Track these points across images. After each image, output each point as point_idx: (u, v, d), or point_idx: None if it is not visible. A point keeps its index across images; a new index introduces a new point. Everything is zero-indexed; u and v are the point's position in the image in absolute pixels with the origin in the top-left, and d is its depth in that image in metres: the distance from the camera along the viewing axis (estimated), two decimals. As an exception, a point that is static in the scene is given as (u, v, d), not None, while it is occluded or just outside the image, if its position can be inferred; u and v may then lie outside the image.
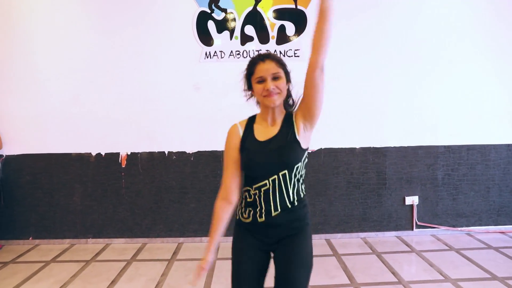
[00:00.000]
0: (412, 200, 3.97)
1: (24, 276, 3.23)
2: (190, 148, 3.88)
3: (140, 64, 3.83)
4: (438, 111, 3.92)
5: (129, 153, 3.91)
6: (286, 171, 1.56)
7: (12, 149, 3.92)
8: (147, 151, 3.90)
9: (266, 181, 1.57)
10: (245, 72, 1.65)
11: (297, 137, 1.58)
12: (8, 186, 3.95)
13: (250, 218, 1.64)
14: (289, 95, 1.68)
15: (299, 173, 1.60)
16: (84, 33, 3.81)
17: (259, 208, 1.60)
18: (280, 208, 1.58)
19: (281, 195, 1.58)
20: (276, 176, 1.56)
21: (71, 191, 3.96)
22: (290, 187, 1.58)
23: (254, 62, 1.59)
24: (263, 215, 1.60)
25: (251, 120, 1.70)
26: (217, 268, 3.21)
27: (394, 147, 3.93)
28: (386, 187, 3.96)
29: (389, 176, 3.95)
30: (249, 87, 1.65)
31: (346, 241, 3.87)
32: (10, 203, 3.97)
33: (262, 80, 1.56)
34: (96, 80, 3.85)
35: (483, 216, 4.04)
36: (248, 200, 1.63)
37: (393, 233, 4.00)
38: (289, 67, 1.67)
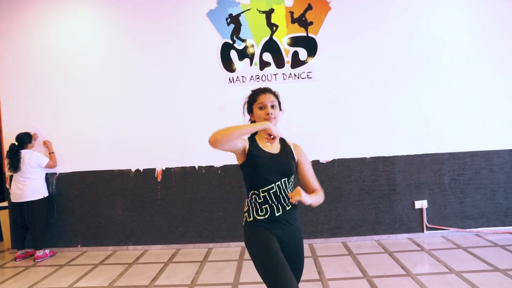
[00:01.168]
0: (421, 204, 4.30)
1: (78, 275, 3.74)
2: (218, 162, 4.37)
3: (173, 91, 4.40)
4: (442, 121, 4.28)
5: (164, 169, 4.43)
6: (286, 179, 2.01)
7: (64, 167, 4.52)
8: (180, 166, 4.41)
9: (273, 185, 1.97)
10: (247, 100, 2.13)
11: (295, 159, 2.08)
12: (60, 200, 4.53)
13: (268, 214, 1.96)
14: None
15: (291, 181, 2.06)
16: (127, 64, 4.44)
17: (274, 204, 1.96)
18: (288, 205, 1.99)
19: (284, 196, 1.99)
20: (279, 182, 1.99)
21: (113, 204, 4.50)
22: (288, 190, 2.02)
23: (257, 93, 2.08)
24: (280, 210, 1.97)
25: (252, 135, 2.13)
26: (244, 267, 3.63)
27: (402, 155, 4.30)
28: (396, 192, 4.31)
29: (399, 182, 4.30)
30: (249, 111, 2.12)
31: (361, 243, 4.22)
32: (62, 215, 4.53)
33: (262, 107, 2.03)
34: (135, 106, 4.44)
35: (490, 217, 4.31)
36: (259, 201, 1.98)
37: (405, 235, 4.32)
38: (280, 98, 2.12)
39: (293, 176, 2.05)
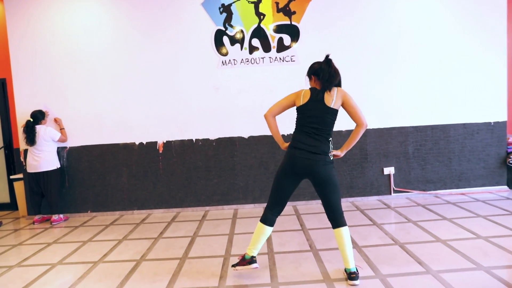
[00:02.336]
0: (389, 170, 5.00)
1: (93, 233, 4.32)
2: (213, 135, 4.95)
3: (172, 73, 4.93)
4: (406, 99, 4.94)
5: (164, 142, 4.99)
6: None
7: (73, 141, 5.03)
8: (179, 139, 4.98)
9: None
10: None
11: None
12: (71, 171, 5.06)
13: None
14: None
15: None
16: (130, 49, 4.93)
17: None
18: None
19: None
20: None
21: (119, 173, 5.05)
22: None
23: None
24: None
25: None
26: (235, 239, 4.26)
27: (373, 128, 4.96)
28: (368, 160, 4.99)
29: (370, 152, 4.98)
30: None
31: (338, 205, 4.90)
32: (72, 185, 5.07)
33: None
34: (137, 86, 4.96)
35: (447, 181, 5.04)
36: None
37: (375, 197, 5.02)
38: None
39: None
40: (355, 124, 2.78)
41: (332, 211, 2.70)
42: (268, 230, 2.78)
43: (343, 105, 2.73)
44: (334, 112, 2.70)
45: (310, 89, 2.80)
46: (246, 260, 2.79)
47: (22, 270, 3.31)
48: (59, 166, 4.91)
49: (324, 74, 2.69)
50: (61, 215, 4.91)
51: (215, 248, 3.57)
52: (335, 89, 2.72)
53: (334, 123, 2.74)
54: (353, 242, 3.48)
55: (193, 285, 2.81)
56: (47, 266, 3.36)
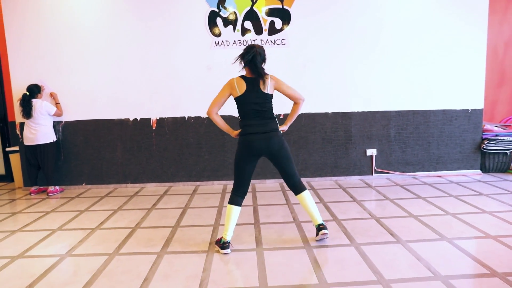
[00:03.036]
0: (371, 152, 5.28)
1: (89, 204, 4.54)
2: (204, 113, 5.15)
3: (166, 51, 5.08)
4: (389, 85, 5.19)
5: (158, 118, 5.18)
6: None
7: (69, 116, 5.18)
8: (172, 116, 5.17)
9: None
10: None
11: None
12: (66, 145, 5.23)
13: None
14: None
15: None
16: (123, 25, 5.05)
17: None
18: None
19: None
20: None
21: (114, 148, 5.24)
22: None
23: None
24: None
25: None
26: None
27: (357, 111, 5.21)
28: (351, 142, 5.26)
29: (354, 134, 5.24)
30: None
31: (322, 183, 5.18)
32: (68, 158, 5.25)
33: None
34: (132, 64, 5.10)
35: (425, 164, 5.35)
36: None
37: (358, 177, 5.32)
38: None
39: None
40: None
41: (292, 178, 3.05)
42: (237, 209, 3.02)
43: (277, 90, 3.01)
44: (270, 97, 2.99)
45: (242, 77, 2.98)
46: (221, 244, 3.00)
47: (24, 234, 3.53)
48: (55, 139, 5.07)
49: (252, 68, 2.93)
50: (57, 187, 5.11)
51: (205, 218, 3.83)
52: (268, 77, 2.97)
53: (272, 105, 3.03)
54: (333, 215, 3.78)
55: (185, 249, 3.07)
56: (48, 232, 3.58)
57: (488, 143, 5.28)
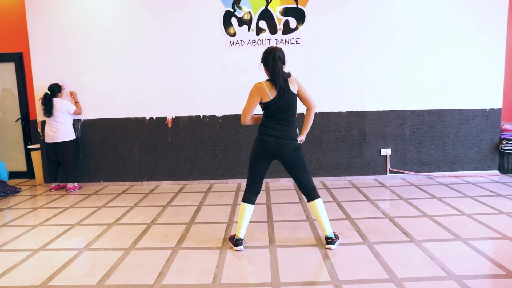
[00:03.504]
0: (386, 151, 5.25)
1: (106, 200, 4.65)
2: (219, 112, 5.21)
3: (182, 51, 5.16)
4: (404, 84, 5.15)
5: (173, 117, 5.26)
6: None
7: (87, 115, 5.31)
8: (187, 115, 5.25)
9: None
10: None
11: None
12: (84, 143, 5.36)
13: None
14: None
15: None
16: (139, 25, 5.15)
17: None
18: None
19: None
20: None
21: (130, 146, 5.35)
22: None
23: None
24: None
25: None
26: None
27: (372, 111, 5.18)
28: (366, 141, 5.23)
29: (368, 133, 5.22)
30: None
31: (336, 182, 5.18)
32: (86, 156, 5.38)
33: None
34: (149, 64, 5.20)
35: (441, 164, 5.29)
36: None
37: (372, 177, 5.29)
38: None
39: None
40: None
41: (303, 186, 3.03)
42: (250, 208, 3.05)
43: (298, 92, 2.97)
44: (295, 98, 2.96)
45: (270, 82, 2.89)
46: (234, 241, 3.05)
47: (45, 229, 3.65)
48: (74, 137, 5.20)
49: (276, 75, 2.85)
50: (76, 184, 5.25)
51: (219, 215, 3.88)
52: (292, 79, 2.95)
53: (296, 108, 3.00)
54: (346, 214, 3.78)
55: (199, 245, 3.13)
56: (67, 226, 3.70)
57: (506, 143, 5.18)
